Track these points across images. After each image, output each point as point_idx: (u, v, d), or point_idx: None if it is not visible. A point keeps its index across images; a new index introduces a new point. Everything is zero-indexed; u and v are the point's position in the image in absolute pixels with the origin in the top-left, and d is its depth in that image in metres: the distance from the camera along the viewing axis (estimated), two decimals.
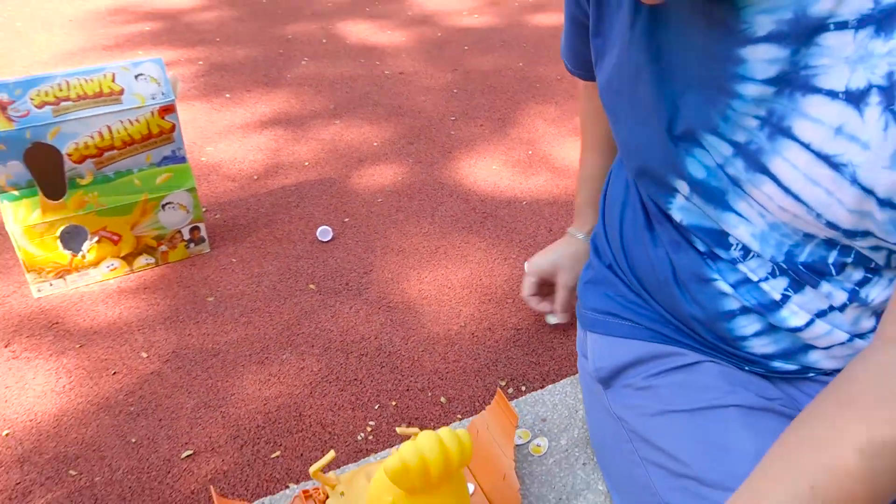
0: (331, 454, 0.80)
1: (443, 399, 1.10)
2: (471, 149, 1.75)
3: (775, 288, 0.70)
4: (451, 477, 0.70)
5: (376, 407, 1.08)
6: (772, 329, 0.73)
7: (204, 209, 1.51)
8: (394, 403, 1.08)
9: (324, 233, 1.43)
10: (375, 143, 1.78)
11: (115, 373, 1.14)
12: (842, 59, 0.56)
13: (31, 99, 1.15)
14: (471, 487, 0.89)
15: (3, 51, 2.20)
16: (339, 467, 0.98)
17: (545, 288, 1.20)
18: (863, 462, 0.58)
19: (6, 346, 1.18)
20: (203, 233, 1.38)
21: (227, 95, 1.99)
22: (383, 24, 2.53)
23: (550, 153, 1.75)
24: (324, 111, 1.93)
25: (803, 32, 0.57)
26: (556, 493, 0.90)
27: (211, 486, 0.89)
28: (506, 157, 1.73)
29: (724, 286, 0.72)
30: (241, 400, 1.09)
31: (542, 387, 1.10)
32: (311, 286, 1.32)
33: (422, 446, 0.64)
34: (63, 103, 1.17)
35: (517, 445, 0.97)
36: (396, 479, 0.64)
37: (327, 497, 0.87)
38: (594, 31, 0.75)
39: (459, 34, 2.46)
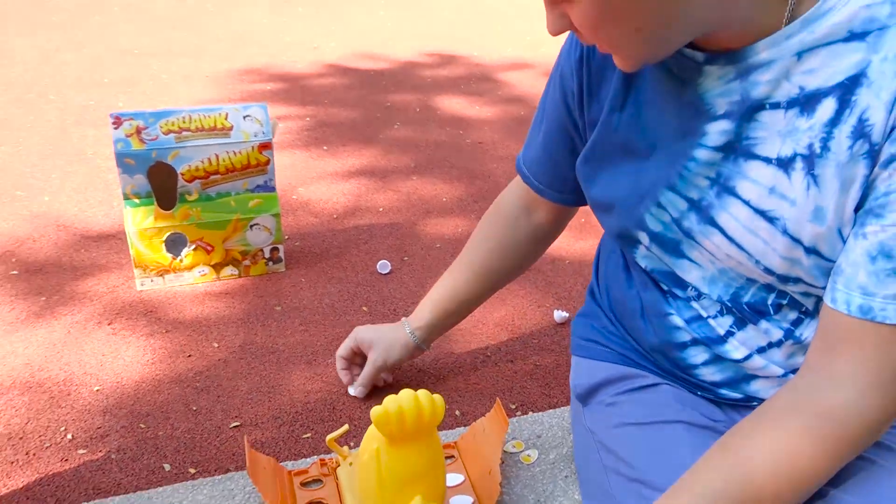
0: (345, 427, 0.97)
1: (458, 412, 1.24)
2: None
3: (721, 325, 0.83)
4: (426, 432, 0.84)
5: None
6: (718, 359, 0.85)
7: (287, 237, 1.75)
8: None
9: (383, 266, 1.62)
10: (444, 199, 1.99)
11: (189, 356, 1.36)
12: (775, 132, 0.71)
13: (160, 127, 1.43)
14: (460, 477, 1.03)
15: (148, 97, 2.60)
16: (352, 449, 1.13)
17: (358, 358, 1.26)
18: (767, 460, 0.70)
19: (108, 324, 1.43)
20: (281, 254, 1.61)
21: (325, 148, 2.27)
22: (474, 100, 2.78)
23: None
24: (405, 168, 2.16)
25: (747, 111, 0.72)
26: (536, 495, 1.02)
27: (245, 438, 1.07)
28: None
29: (678, 321, 0.86)
30: (287, 390, 1.28)
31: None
32: (364, 308, 1.51)
33: (400, 398, 0.80)
34: (184, 132, 1.44)
35: (511, 453, 1.10)
36: (378, 423, 0.80)
37: (338, 465, 1.04)
38: (591, 124, 0.89)
39: None
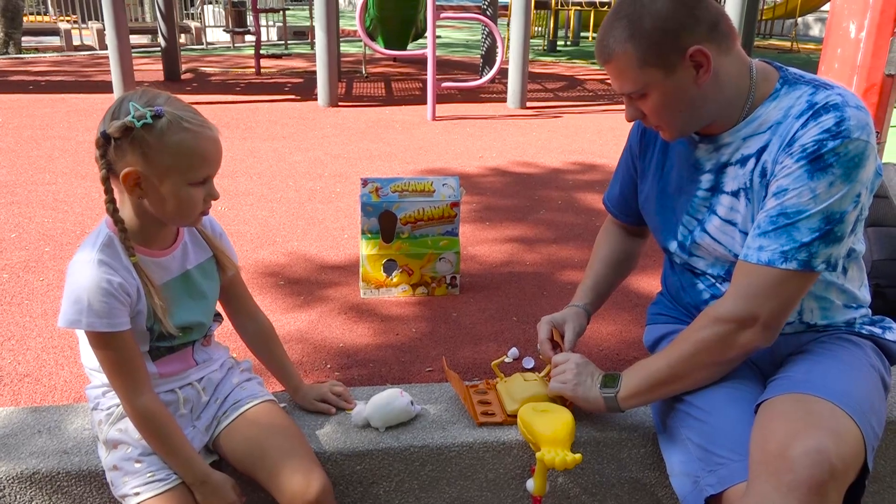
0: (504, 357, 1.60)
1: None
2: (640, 270, 2.51)
3: (723, 287, 1.41)
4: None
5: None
6: None
7: (460, 275, 2.44)
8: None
9: (513, 353, 2.05)
10: (576, 259, 2.62)
11: (397, 334, 2.04)
12: (731, 178, 1.34)
13: (390, 188, 2.20)
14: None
15: (357, 186, 3.47)
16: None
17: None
18: (686, 346, 1.29)
19: (344, 314, 2.16)
20: (458, 281, 2.29)
21: (487, 223, 2.99)
22: None
23: None
24: (547, 239, 2.83)
25: (719, 168, 1.36)
26: None
27: (443, 358, 1.72)
28: None
29: (701, 287, 1.44)
30: (460, 357, 1.92)
31: None
32: (514, 318, 2.15)
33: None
34: (404, 192, 2.20)
35: None
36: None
37: (497, 382, 1.65)
38: (641, 177, 1.55)
39: None
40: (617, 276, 1.74)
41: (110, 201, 1.22)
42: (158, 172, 1.19)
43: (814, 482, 1.10)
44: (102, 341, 1.22)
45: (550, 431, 1.39)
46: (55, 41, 10.47)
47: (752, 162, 1.30)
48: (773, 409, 1.23)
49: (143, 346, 1.30)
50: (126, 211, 1.24)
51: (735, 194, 1.33)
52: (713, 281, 1.42)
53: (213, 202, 1.28)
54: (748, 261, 1.26)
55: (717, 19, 1.25)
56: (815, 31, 14.31)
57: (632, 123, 1.57)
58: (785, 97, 1.29)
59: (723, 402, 1.30)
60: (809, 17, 14.10)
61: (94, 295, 1.18)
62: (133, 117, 1.16)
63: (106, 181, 1.21)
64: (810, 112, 1.24)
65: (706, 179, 1.38)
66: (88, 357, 1.31)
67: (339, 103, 5.70)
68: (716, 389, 1.33)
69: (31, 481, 1.37)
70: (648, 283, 2.42)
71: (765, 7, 12.87)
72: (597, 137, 4.78)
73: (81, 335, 1.29)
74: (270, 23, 11.48)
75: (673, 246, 1.46)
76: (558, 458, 1.35)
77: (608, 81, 7.40)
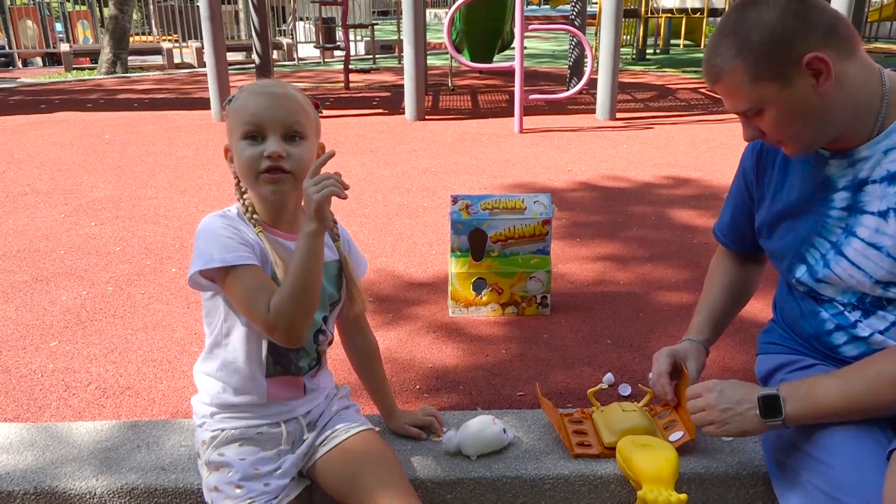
0: (600, 385, 1.52)
1: None
2: None
3: (853, 315, 1.29)
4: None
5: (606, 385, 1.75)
6: (853, 339, 1.30)
7: (552, 294, 2.37)
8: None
9: (608, 379, 1.88)
10: (672, 280, 2.51)
11: (487, 356, 2.00)
12: (876, 197, 1.22)
13: (480, 205, 2.16)
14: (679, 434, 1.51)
15: (444, 200, 3.45)
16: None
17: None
18: (866, 373, 1.17)
19: (433, 333, 2.13)
20: (549, 300, 2.23)
21: (578, 240, 2.91)
22: (702, 212, 3.29)
23: None
24: (641, 257, 2.72)
25: (857, 185, 1.24)
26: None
27: (537, 384, 1.66)
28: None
29: (825, 316, 1.32)
30: (553, 380, 1.85)
31: None
32: (608, 341, 2.06)
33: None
34: (495, 210, 2.16)
35: None
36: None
37: (593, 412, 1.58)
38: (759, 199, 1.44)
39: None
40: (734, 307, 1.63)
41: (237, 182, 1.34)
42: (230, 138, 1.31)
43: None
44: (236, 275, 1.24)
45: (653, 469, 1.32)
46: (158, 60, 11.03)
47: None
48: None
49: (263, 349, 1.31)
50: (251, 192, 1.34)
51: (883, 215, 1.21)
52: (840, 309, 1.31)
53: (287, 165, 1.27)
54: None
55: (833, 23, 1.16)
56: None
57: (745, 145, 1.47)
58: None
59: (850, 446, 1.19)
60: None
61: (218, 233, 1.26)
62: (228, 100, 1.33)
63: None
64: None
65: (840, 198, 1.26)
66: (204, 363, 1.35)
67: (427, 116, 5.73)
68: (841, 431, 1.21)
69: (131, 496, 1.40)
70: (752, 306, 2.28)
71: (871, 9, 12.17)
72: (690, 149, 4.61)
73: (206, 339, 1.35)
74: (359, 38, 11.72)
75: (800, 271, 1.34)
76: (661, 497, 1.27)
77: (701, 90, 7.18)
